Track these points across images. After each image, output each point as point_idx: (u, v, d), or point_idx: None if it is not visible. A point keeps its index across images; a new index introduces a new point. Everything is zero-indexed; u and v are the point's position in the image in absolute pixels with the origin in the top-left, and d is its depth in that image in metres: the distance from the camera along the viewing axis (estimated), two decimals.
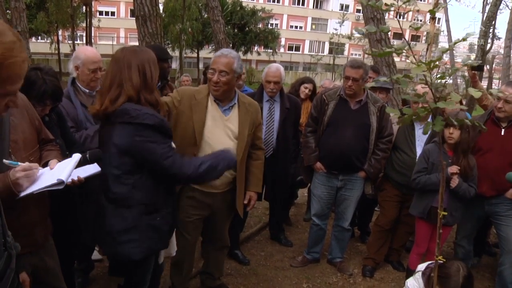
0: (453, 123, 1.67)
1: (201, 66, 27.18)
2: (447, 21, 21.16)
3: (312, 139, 3.36)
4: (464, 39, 1.51)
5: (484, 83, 17.98)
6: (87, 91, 2.71)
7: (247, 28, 28.58)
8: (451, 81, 19.15)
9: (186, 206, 2.57)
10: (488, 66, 19.58)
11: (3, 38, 1.07)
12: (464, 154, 2.91)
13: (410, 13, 30.67)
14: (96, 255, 3.30)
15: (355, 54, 37.11)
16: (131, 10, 31.62)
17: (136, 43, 5.66)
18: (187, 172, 1.93)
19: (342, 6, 39.21)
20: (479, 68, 3.88)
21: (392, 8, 1.53)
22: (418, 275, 2.37)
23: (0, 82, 1.07)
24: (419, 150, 3.31)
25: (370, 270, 3.61)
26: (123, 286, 2.35)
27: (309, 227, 3.81)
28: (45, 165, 1.66)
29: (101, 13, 31.49)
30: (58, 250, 1.95)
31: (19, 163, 1.49)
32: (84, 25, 20.49)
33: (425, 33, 31.82)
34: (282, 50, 37.58)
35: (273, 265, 3.68)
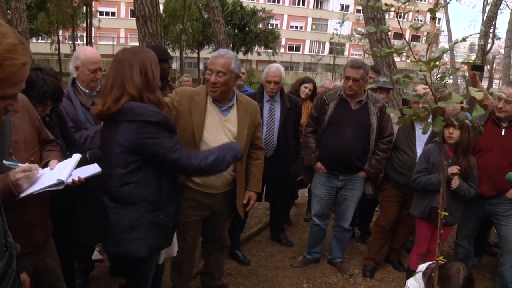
0: (453, 123, 1.67)
1: (201, 66, 27.16)
2: (447, 21, 21.18)
3: (313, 139, 3.36)
4: (464, 40, 1.51)
5: (484, 83, 17.95)
6: (87, 91, 2.72)
7: (247, 28, 28.57)
8: (451, 81, 19.16)
9: (185, 207, 2.57)
10: (488, 66, 19.56)
11: (4, 40, 1.07)
12: (464, 154, 2.91)
13: (411, 13, 30.66)
14: (96, 255, 3.30)
15: (356, 54, 37.09)
16: (131, 10, 31.63)
17: (137, 44, 5.66)
18: (195, 164, 1.97)
19: (342, 6, 39.21)
20: (480, 68, 3.88)
21: (392, 9, 1.53)
22: (418, 276, 2.37)
23: None
24: (419, 150, 3.31)
25: (370, 270, 3.61)
26: (125, 286, 2.35)
27: (309, 227, 3.81)
28: (45, 165, 1.67)
29: (101, 13, 31.51)
30: (58, 250, 1.95)
31: (19, 164, 1.50)
32: (84, 25, 20.49)
33: (425, 33, 31.83)
34: (282, 50, 37.58)
35: (273, 265, 3.68)
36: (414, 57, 1.51)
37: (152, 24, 5.34)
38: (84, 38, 20.59)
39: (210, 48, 27.27)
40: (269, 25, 31.99)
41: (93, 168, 1.79)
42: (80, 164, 1.73)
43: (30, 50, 7.84)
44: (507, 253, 3.09)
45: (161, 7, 21.10)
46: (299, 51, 41.66)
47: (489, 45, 16.44)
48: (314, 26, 42.49)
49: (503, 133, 3.04)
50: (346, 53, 37.58)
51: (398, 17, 1.56)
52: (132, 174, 1.94)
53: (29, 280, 1.55)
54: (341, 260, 3.69)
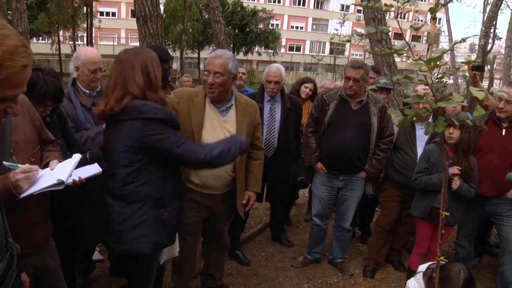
0: (454, 123, 1.67)
1: (202, 66, 27.16)
2: (447, 21, 21.18)
3: (313, 139, 3.36)
4: (464, 40, 1.51)
5: (485, 83, 17.95)
6: (87, 91, 2.72)
7: (247, 29, 28.58)
8: (451, 81, 19.13)
9: (185, 208, 2.57)
10: (489, 66, 19.53)
11: (5, 41, 1.07)
12: (464, 155, 2.90)
13: (411, 13, 30.64)
14: (97, 255, 3.30)
15: (356, 55, 37.05)
16: (132, 10, 31.63)
17: (137, 44, 5.67)
18: (201, 156, 1.98)
19: (342, 6, 39.18)
20: (480, 69, 3.88)
21: (392, 9, 1.53)
22: (419, 276, 2.36)
23: None
24: (420, 150, 3.31)
25: (371, 271, 3.61)
26: (127, 286, 2.35)
27: (310, 228, 3.81)
28: (46, 165, 1.67)
29: (102, 13, 31.52)
30: (59, 250, 1.95)
31: (19, 165, 1.50)
32: (85, 25, 20.49)
33: (425, 33, 31.81)
34: (282, 50, 37.58)
35: (274, 265, 3.68)
36: (414, 57, 1.51)
37: (152, 24, 5.35)
38: (85, 39, 20.59)
39: (211, 48, 27.28)
40: (270, 25, 32.01)
41: (94, 168, 1.79)
42: (81, 164, 1.74)
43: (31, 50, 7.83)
44: (508, 253, 3.09)
45: (162, 8, 21.14)
46: (300, 51, 41.65)
47: (489, 45, 16.42)
48: (314, 26, 42.48)
49: (503, 133, 3.04)
50: (346, 53, 37.56)
51: (397, 17, 1.56)
52: (137, 173, 1.95)
53: (29, 280, 1.54)
54: (341, 260, 3.68)
